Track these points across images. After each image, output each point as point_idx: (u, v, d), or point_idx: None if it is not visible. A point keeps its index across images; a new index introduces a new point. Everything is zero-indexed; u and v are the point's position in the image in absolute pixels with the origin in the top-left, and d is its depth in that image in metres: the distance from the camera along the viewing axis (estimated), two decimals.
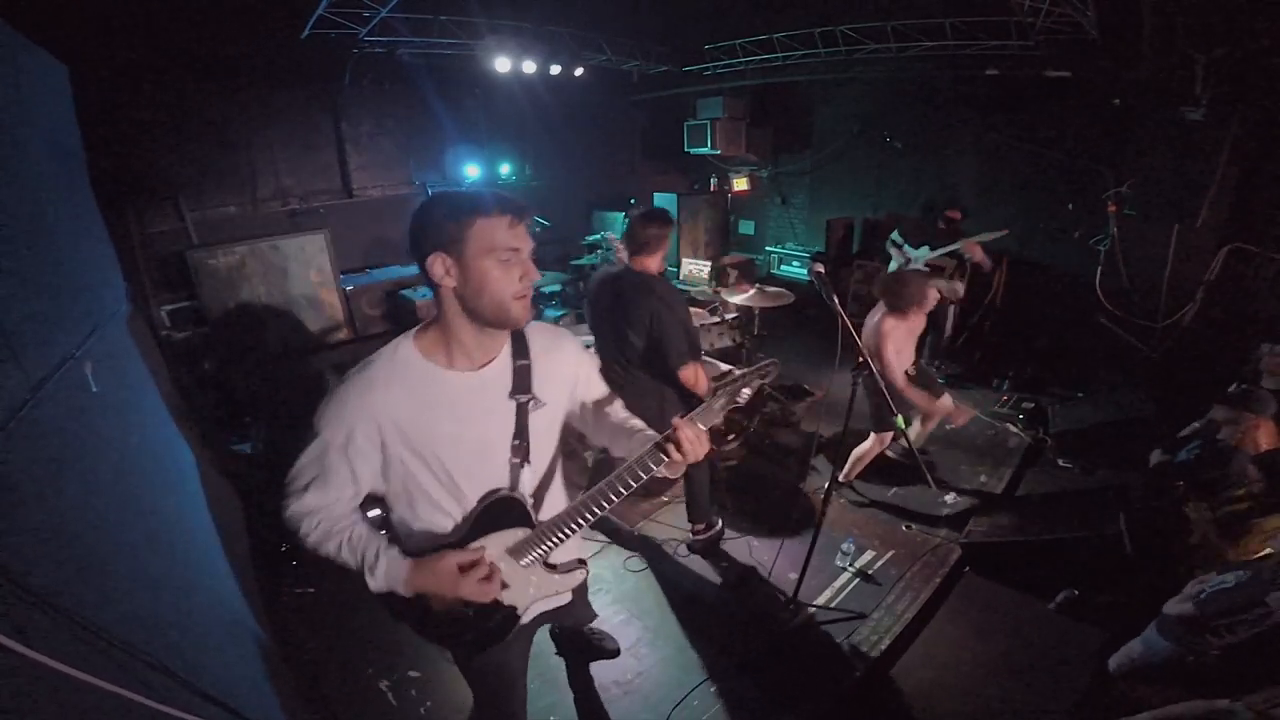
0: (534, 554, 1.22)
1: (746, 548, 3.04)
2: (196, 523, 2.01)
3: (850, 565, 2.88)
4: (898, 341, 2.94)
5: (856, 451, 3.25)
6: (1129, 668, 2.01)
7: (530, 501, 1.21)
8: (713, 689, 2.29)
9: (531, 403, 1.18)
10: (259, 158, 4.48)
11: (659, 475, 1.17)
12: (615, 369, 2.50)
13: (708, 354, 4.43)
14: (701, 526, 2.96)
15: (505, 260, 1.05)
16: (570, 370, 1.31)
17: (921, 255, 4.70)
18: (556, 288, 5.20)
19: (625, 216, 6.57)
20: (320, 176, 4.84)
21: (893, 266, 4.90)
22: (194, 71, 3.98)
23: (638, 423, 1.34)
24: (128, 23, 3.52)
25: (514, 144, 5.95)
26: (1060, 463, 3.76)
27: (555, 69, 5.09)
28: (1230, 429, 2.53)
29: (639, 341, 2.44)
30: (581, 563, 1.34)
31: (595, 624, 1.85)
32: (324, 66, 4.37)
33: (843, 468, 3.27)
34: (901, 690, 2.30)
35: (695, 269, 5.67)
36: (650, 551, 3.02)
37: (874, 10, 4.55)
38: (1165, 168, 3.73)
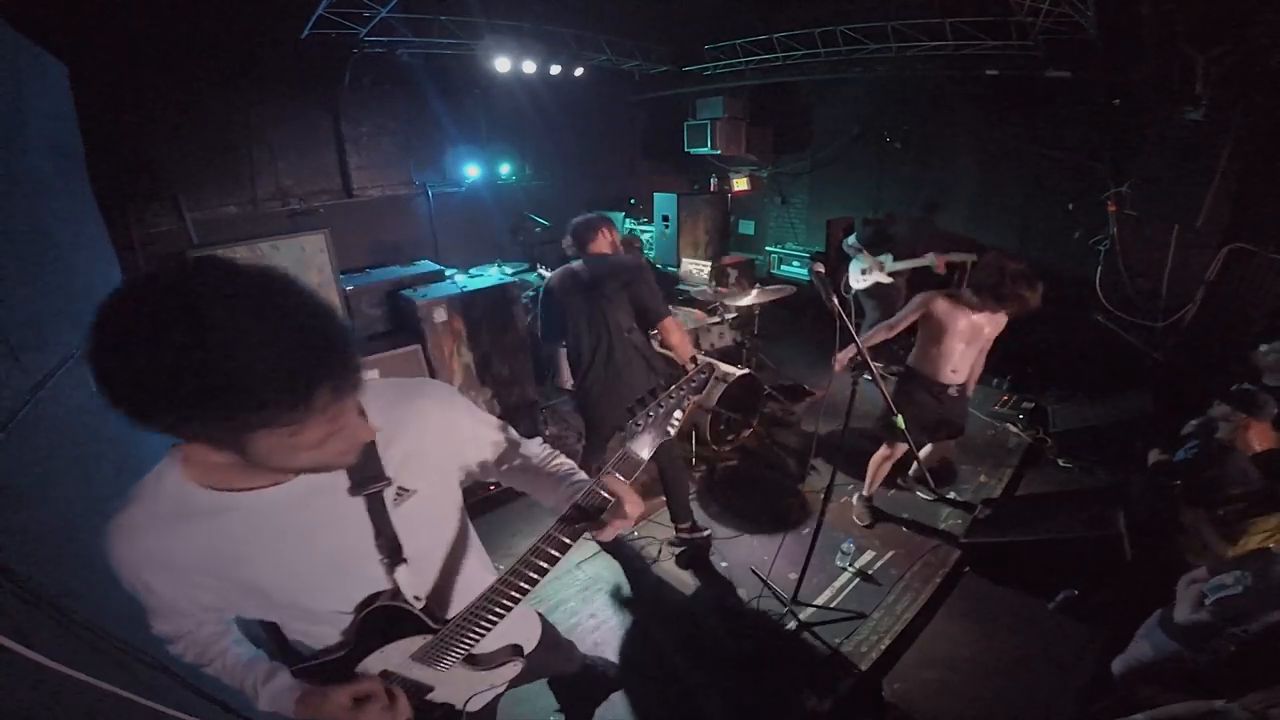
0: (448, 656, 1.01)
1: (746, 548, 3.04)
2: None
3: (850, 565, 2.89)
4: (941, 330, 2.69)
5: (873, 462, 3.16)
6: (1138, 672, 2.01)
7: (420, 604, 0.97)
8: (713, 689, 2.29)
9: (388, 492, 0.90)
10: (259, 158, 4.47)
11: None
12: (610, 353, 2.65)
13: (708, 354, 4.43)
14: (686, 525, 2.96)
15: (317, 447, 0.70)
16: (442, 434, 0.99)
17: (888, 263, 4.75)
18: None
19: (625, 216, 6.57)
20: (320, 176, 4.83)
21: (854, 267, 4.92)
22: (194, 71, 3.98)
23: (564, 464, 1.09)
24: (128, 23, 3.52)
25: (514, 144, 5.94)
26: (1060, 463, 3.76)
27: (555, 69, 5.09)
28: (1226, 428, 2.53)
29: (622, 313, 2.62)
30: (517, 650, 1.16)
31: (588, 639, 1.73)
32: (324, 66, 4.37)
33: (838, 469, 3.25)
34: (902, 690, 2.30)
35: (695, 269, 5.66)
36: (649, 552, 3.02)
37: (874, 10, 4.55)
38: (1165, 168, 3.73)
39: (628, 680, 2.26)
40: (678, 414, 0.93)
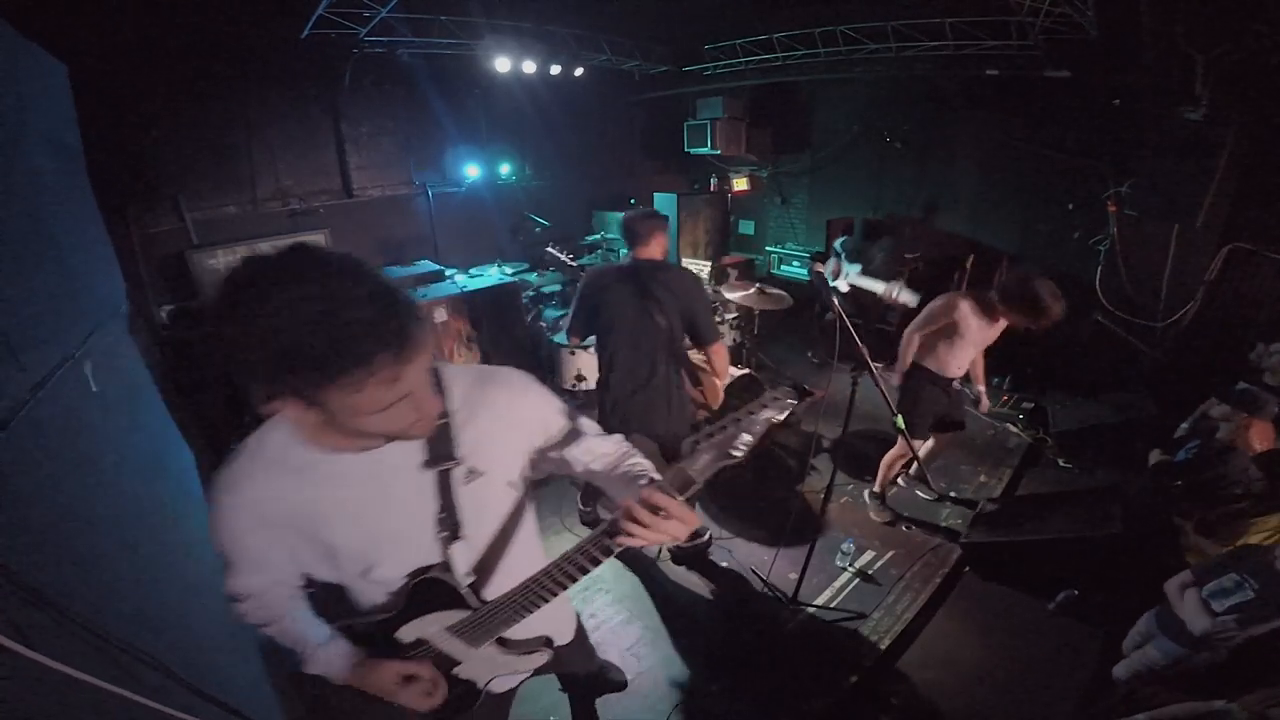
0: (483, 635, 1.07)
1: (746, 548, 3.04)
2: (197, 523, 2.00)
3: (850, 565, 2.89)
4: (967, 324, 2.69)
5: (884, 461, 3.19)
6: (1143, 676, 2.01)
7: (468, 580, 1.02)
8: (713, 689, 2.29)
9: (458, 471, 0.96)
10: (259, 158, 4.47)
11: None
12: (654, 365, 2.49)
13: None
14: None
15: (389, 408, 0.78)
16: (513, 421, 1.03)
17: (852, 273, 4.77)
18: (557, 287, 5.20)
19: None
20: (320, 176, 4.83)
21: (829, 269, 4.95)
22: (194, 71, 3.98)
23: (638, 464, 1.07)
24: (128, 23, 3.51)
25: (514, 144, 5.94)
26: (1060, 463, 3.77)
27: (555, 69, 5.08)
28: (1227, 428, 2.53)
29: (671, 323, 2.45)
30: (548, 642, 1.19)
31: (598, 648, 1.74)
32: (324, 66, 4.36)
33: (838, 469, 3.26)
34: (901, 690, 2.30)
35: (695, 269, 5.66)
36: (651, 551, 3.02)
37: (874, 10, 4.55)
38: (1165, 168, 3.73)
39: (629, 684, 2.26)
40: (747, 437, 0.87)
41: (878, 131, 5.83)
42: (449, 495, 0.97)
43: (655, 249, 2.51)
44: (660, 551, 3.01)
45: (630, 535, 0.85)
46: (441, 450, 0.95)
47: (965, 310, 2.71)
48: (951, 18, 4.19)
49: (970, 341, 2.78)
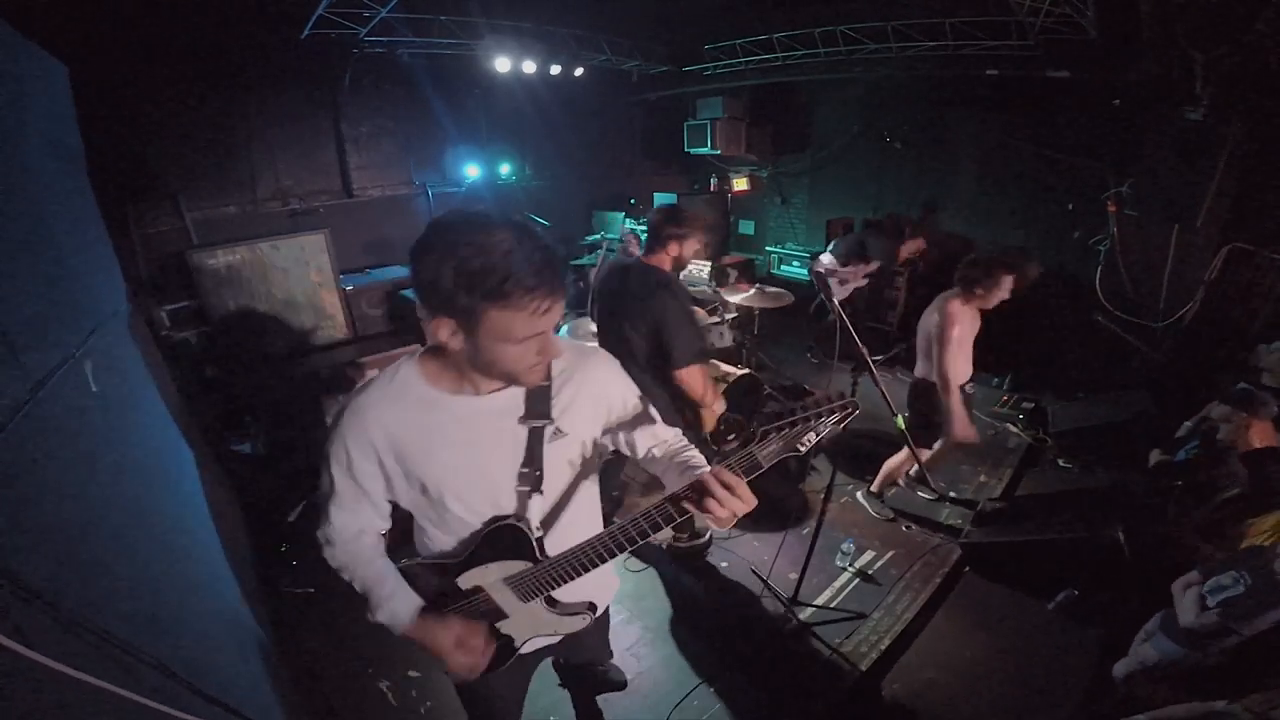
0: (534, 588, 1.13)
1: (746, 548, 3.04)
2: (196, 523, 2.01)
3: (850, 565, 2.89)
4: (964, 328, 2.69)
5: (888, 465, 3.18)
6: (1140, 674, 2.01)
7: (538, 533, 1.11)
8: (712, 689, 2.29)
9: (548, 430, 1.07)
10: (259, 158, 4.47)
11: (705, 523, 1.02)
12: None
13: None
14: (685, 534, 2.95)
15: (523, 342, 0.92)
16: (599, 394, 1.15)
17: (825, 259, 4.84)
18: None
19: (625, 216, 6.57)
20: (320, 176, 4.83)
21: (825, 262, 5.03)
22: (194, 72, 3.98)
23: (693, 456, 1.18)
24: (128, 22, 3.51)
25: (514, 144, 5.94)
26: (1060, 463, 3.76)
27: (555, 69, 5.09)
28: (1227, 428, 2.53)
29: (639, 340, 2.26)
30: (591, 607, 1.24)
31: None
32: (324, 66, 4.37)
33: (838, 469, 3.25)
34: (901, 690, 2.30)
35: (695, 269, 5.66)
36: (650, 551, 3.02)
37: (874, 10, 4.55)
38: (1165, 168, 3.73)
39: (629, 684, 2.26)
40: (813, 436, 0.98)
41: (878, 131, 5.83)
42: (537, 450, 1.06)
43: (664, 260, 2.26)
44: (660, 552, 3.01)
45: (696, 506, 0.92)
46: (539, 408, 1.06)
47: (956, 309, 2.70)
48: (951, 18, 4.19)
49: (969, 339, 2.76)
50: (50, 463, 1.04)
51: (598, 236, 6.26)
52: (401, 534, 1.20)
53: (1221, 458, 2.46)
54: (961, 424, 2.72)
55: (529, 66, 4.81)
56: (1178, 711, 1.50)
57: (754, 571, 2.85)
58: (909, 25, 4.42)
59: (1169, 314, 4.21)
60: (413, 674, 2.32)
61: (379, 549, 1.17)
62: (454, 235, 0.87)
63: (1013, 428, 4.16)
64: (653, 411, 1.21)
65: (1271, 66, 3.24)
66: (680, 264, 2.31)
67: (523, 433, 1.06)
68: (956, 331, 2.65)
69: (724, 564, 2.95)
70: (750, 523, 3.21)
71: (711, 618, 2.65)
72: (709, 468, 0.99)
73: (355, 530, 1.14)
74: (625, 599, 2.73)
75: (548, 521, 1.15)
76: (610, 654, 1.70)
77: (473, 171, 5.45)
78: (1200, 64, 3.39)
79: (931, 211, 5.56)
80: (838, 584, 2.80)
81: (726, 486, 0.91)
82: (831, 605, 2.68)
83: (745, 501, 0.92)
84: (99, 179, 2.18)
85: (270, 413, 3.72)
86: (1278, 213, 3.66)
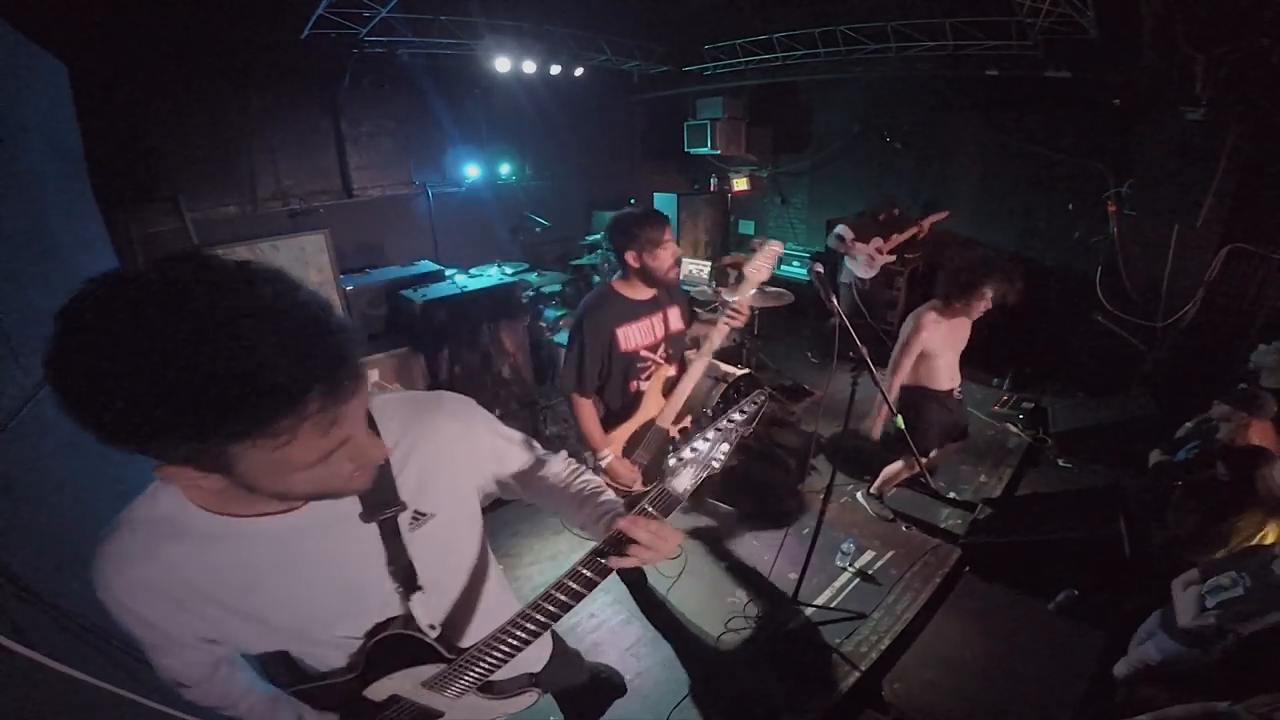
0: (459, 685, 0.97)
1: (746, 548, 3.04)
2: None
3: (850, 565, 2.89)
4: (931, 341, 2.69)
5: (887, 470, 3.19)
6: (1140, 674, 2.01)
7: (432, 634, 0.93)
8: (713, 689, 2.29)
9: (403, 518, 0.85)
10: (259, 158, 4.47)
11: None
12: None
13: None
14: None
15: (316, 465, 0.63)
16: (459, 454, 0.92)
17: (843, 228, 5.00)
18: (557, 288, 5.19)
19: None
20: (320, 176, 4.83)
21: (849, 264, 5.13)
22: (194, 72, 3.98)
23: (590, 482, 1.04)
24: (127, 23, 3.51)
25: (514, 144, 5.94)
26: (1060, 463, 3.76)
27: (555, 69, 5.08)
28: (1227, 428, 2.53)
29: None
30: (533, 680, 1.12)
31: (587, 639, 1.70)
32: (324, 66, 4.36)
33: (838, 469, 3.25)
34: (901, 690, 2.30)
35: (695, 269, 5.66)
36: None
37: (874, 10, 4.55)
38: (1165, 168, 3.73)
39: (628, 680, 2.26)
40: (725, 447, 0.89)
41: (878, 131, 5.83)
42: (398, 544, 0.86)
43: (632, 277, 2.14)
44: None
45: (625, 557, 0.81)
46: (380, 496, 0.82)
47: (928, 321, 2.70)
48: (951, 18, 4.19)
49: (950, 347, 2.79)
50: (51, 463, 1.04)
51: (598, 236, 6.26)
52: (286, 667, 0.99)
53: (1221, 458, 2.46)
54: (881, 420, 2.76)
55: (529, 66, 4.81)
56: (1179, 713, 1.50)
57: (754, 571, 2.85)
58: (909, 25, 4.42)
59: (1169, 314, 4.21)
60: None
61: (250, 674, 0.98)
62: (124, 333, 0.50)
63: (1013, 428, 4.16)
64: (535, 446, 1.05)
65: (1271, 66, 3.23)
66: (653, 272, 2.09)
67: (371, 531, 0.84)
68: (921, 337, 2.68)
69: (724, 564, 2.94)
70: (750, 523, 3.21)
71: (712, 618, 2.64)
72: (614, 501, 0.91)
73: (206, 667, 0.89)
74: (625, 599, 2.73)
75: (449, 614, 0.98)
76: (587, 670, 1.61)
77: (473, 171, 5.45)
78: (1200, 64, 3.39)
79: (932, 211, 5.56)
80: (838, 584, 2.80)
81: (648, 531, 0.81)
82: (831, 605, 2.68)
83: (669, 540, 0.82)
84: (99, 179, 2.18)
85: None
86: (1278, 213, 3.66)
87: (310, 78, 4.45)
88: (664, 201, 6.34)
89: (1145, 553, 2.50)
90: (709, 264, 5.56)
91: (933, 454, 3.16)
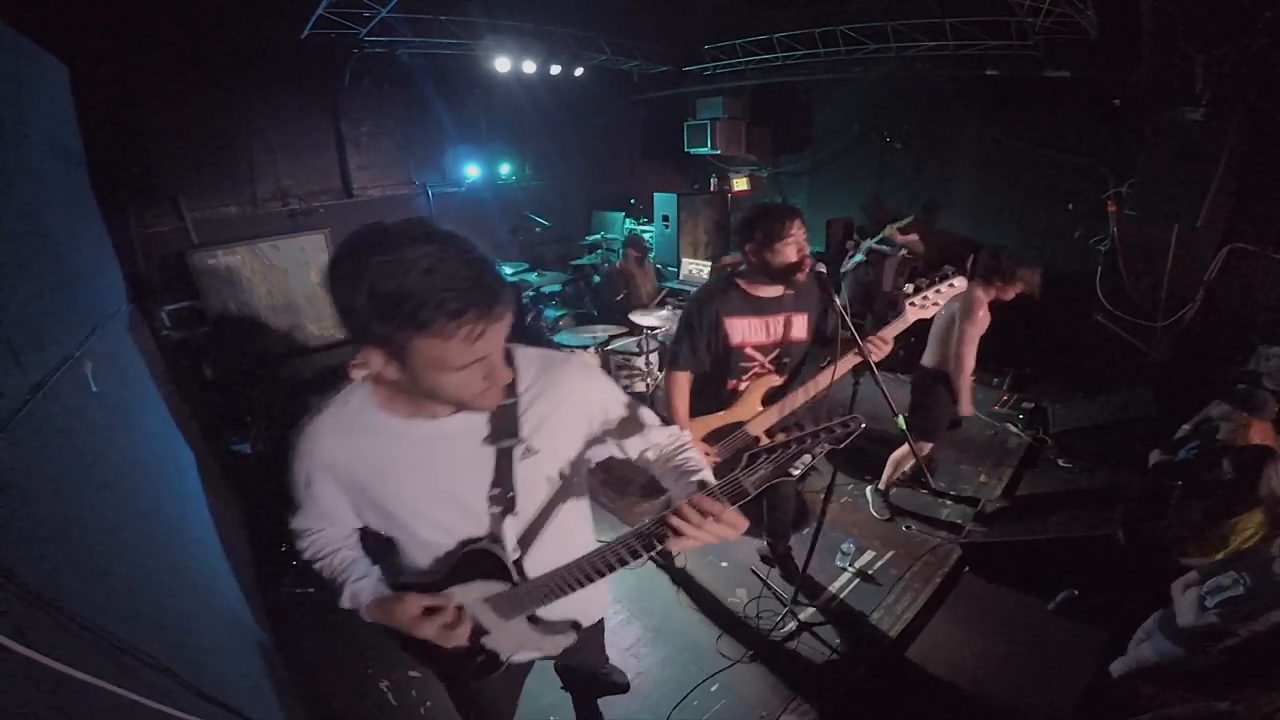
0: (514, 608, 1.10)
1: (746, 548, 3.04)
2: (196, 522, 2.01)
3: (850, 565, 2.88)
4: (980, 322, 2.71)
5: (894, 458, 3.19)
6: (1139, 674, 2.01)
7: (514, 554, 1.06)
8: (713, 689, 2.29)
9: (518, 449, 1.01)
10: (259, 158, 4.47)
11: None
12: None
13: None
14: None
15: (462, 370, 0.83)
16: (576, 406, 1.07)
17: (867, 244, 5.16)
18: (557, 288, 5.20)
19: (625, 216, 6.57)
20: (320, 176, 4.83)
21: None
22: (194, 71, 3.98)
23: (692, 458, 1.10)
24: (128, 22, 3.52)
25: (514, 144, 5.94)
26: (1060, 463, 3.76)
27: (555, 69, 5.09)
28: (1227, 428, 2.53)
29: None
30: (575, 626, 1.20)
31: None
32: (324, 66, 4.37)
33: (838, 469, 3.25)
34: (901, 690, 2.30)
35: (695, 269, 5.67)
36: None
37: (874, 10, 4.56)
38: (1165, 168, 3.72)
39: (629, 682, 2.26)
40: (807, 458, 0.92)
41: (878, 131, 5.83)
42: (506, 471, 1.01)
43: (750, 270, 2.11)
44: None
45: (678, 534, 0.87)
46: (505, 428, 1.00)
47: (981, 297, 2.73)
48: (951, 18, 4.19)
49: (982, 323, 2.76)
50: (50, 463, 1.04)
51: (598, 236, 6.26)
52: (388, 541, 1.16)
53: (1221, 458, 2.46)
54: (967, 404, 2.86)
55: (529, 66, 4.81)
56: (1179, 713, 1.50)
57: (754, 571, 2.85)
58: (909, 25, 4.42)
59: (1169, 314, 4.21)
60: (413, 674, 2.32)
61: (350, 540, 1.17)
62: (363, 254, 0.77)
63: (1013, 428, 4.16)
64: (644, 414, 1.14)
65: (1271, 66, 3.24)
66: (771, 268, 2.03)
67: (489, 454, 1.00)
68: (981, 313, 2.71)
69: (724, 564, 2.95)
70: (750, 523, 3.21)
71: (711, 618, 2.64)
72: (706, 484, 0.97)
73: (313, 525, 1.13)
74: (625, 599, 2.73)
75: (526, 541, 1.09)
76: (606, 659, 1.68)
77: (473, 171, 5.45)
78: (1200, 64, 3.39)
79: (933, 211, 5.56)
80: (838, 584, 2.80)
81: (705, 514, 0.86)
82: (832, 605, 2.68)
83: (732, 526, 0.87)
84: (99, 179, 2.18)
85: (270, 413, 3.72)
86: (1278, 213, 3.66)
87: (310, 78, 4.46)
88: (664, 202, 6.34)
89: (1145, 553, 2.50)
90: (709, 264, 5.57)
91: (930, 446, 3.18)
